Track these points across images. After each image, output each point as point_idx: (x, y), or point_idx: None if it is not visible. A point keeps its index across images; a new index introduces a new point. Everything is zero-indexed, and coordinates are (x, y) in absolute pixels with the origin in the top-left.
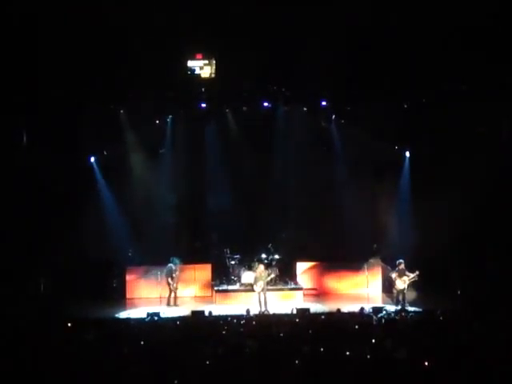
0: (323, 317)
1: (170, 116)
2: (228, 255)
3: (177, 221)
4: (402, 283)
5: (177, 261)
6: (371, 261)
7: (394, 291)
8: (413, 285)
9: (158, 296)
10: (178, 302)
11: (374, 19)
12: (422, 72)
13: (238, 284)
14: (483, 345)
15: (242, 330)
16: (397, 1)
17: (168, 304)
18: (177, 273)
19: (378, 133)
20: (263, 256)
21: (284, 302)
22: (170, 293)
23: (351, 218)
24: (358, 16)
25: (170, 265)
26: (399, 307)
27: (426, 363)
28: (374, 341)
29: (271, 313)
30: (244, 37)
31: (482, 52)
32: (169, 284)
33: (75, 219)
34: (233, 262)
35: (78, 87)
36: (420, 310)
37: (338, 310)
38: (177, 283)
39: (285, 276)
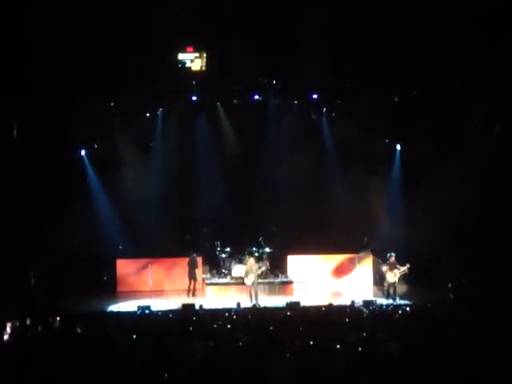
0: (314, 310)
1: (161, 109)
2: (218, 248)
3: (167, 214)
4: (392, 276)
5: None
6: (362, 254)
7: (385, 284)
8: (403, 278)
9: (149, 289)
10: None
11: (365, 12)
12: (413, 65)
13: (228, 277)
14: (473, 338)
15: (232, 323)
16: None
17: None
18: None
19: (368, 126)
20: (254, 249)
21: (275, 296)
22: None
23: (342, 211)
24: (349, 9)
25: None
26: (390, 300)
27: (417, 356)
28: (364, 334)
29: (262, 306)
30: (235, 30)
31: (474, 44)
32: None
33: (65, 212)
34: (223, 256)
35: (69, 80)
36: (410, 303)
37: (330, 303)
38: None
39: (276, 269)
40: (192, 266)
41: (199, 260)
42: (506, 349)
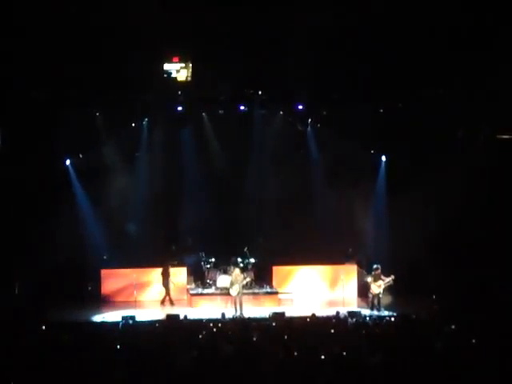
0: (298, 320)
1: (146, 119)
2: (203, 259)
3: (152, 224)
4: (377, 287)
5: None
6: (347, 265)
7: (370, 295)
8: (388, 289)
9: (133, 299)
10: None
11: (351, 23)
12: (398, 76)
13: (213, 287)
14: (458, 349)
15: (217, 333)
16: (374, 5)
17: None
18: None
19: (354, 137)
20: (239, 260)
21: (259, 306)
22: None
23: (327, 222)
24: (334, 19)
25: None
26: (374, 311)
27: (399, 368)
28: (349, 345)
29: (247, 316)
30: (221, 40)
31: (459, 55)
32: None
33: (50, 222)
34: (208, 266)
35: (55, 89)
36: (395, 314)
37: (313, 314)
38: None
39: (260, 280)
40: (165, 276)
41: (172, 270)
42: (490, 359)
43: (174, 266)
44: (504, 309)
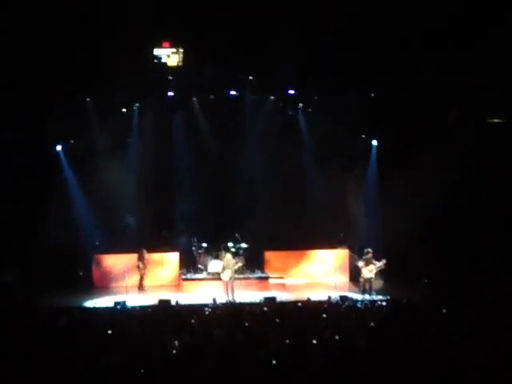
0: (290, 305)
1: (137, 104)
2: (195, 244)
3: (145, 210)
4: (368, 272)
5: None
6: (338, 250)
7: (361, 280)
8: (380, 273)
9: (125, 284)
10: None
11: (342, 7)
12: (389, 61)
13: (205, 273)
14: (448, 333)
15: (208, 318)
16: None
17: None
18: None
19: (345, 122)
20: (230, 245)
21: (251, 291)
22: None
23: (318, 206)
24: (326, 4)
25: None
26: (366, 296)
27: (390, 352)
28: (341, 329)
29: (238, 301)
30: (211, 25)
31: (449, 43)
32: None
33: (42, 208)
34: (200, 251)
35: (46, 75)
36: (386, 298)
37: (308, 298)
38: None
39: (252, 265)
40: (141, 261)
41: (148, 255)
42: (480, 343)
43: (156, 251)
44: (493, 295)
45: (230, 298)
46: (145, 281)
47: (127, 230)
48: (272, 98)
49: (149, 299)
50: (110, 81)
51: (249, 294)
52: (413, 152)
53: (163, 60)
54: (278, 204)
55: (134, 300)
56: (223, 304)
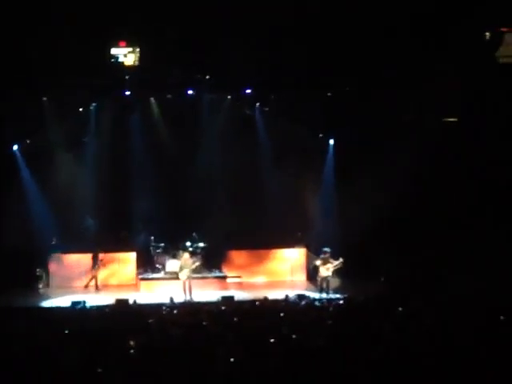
0: (248, 304)
1: (94, 104)
2: (153, 243)
3: (102, 209)
4: (325, 270)
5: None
6: (296, 248)
7: (318, 278)
8: (337, 272)
9: (83, 285)
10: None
11: (297, 6)
12: (345, 60)
13: (162, 272)
14: (405, 332)
15: (166, 318)
16: None
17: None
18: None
19: (302, 120)
20: (188, 244)
21: (209, 290)
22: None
23: (276, 205)
24: (280, 3)
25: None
26: (323, 294)
27: (348, 350)
28: (298, 327)
29: (196, 301)
30: (168, 24)
31: (407, 39)
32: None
33: None
34: (158, 251)
35: (0, 74)
36: (344, 296)
37: (266, 297)
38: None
39: (209, 264)
40: (94, 262)
41: (102, 255)
42: (437, 339)
43: (106, 252)
44: (452, 292)
45: (188, 298)
46: (98, 281)
47: (87, 231)
48: (229, 97)
49: (106, 299)
50: (67, 80)
51: (207, 293)
52: (370, 151)
53: (120, 59)
54: (236, 204)
55: (91, 300)
56: (181, 303)
